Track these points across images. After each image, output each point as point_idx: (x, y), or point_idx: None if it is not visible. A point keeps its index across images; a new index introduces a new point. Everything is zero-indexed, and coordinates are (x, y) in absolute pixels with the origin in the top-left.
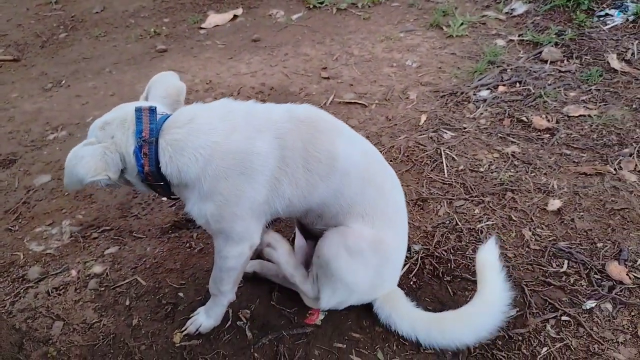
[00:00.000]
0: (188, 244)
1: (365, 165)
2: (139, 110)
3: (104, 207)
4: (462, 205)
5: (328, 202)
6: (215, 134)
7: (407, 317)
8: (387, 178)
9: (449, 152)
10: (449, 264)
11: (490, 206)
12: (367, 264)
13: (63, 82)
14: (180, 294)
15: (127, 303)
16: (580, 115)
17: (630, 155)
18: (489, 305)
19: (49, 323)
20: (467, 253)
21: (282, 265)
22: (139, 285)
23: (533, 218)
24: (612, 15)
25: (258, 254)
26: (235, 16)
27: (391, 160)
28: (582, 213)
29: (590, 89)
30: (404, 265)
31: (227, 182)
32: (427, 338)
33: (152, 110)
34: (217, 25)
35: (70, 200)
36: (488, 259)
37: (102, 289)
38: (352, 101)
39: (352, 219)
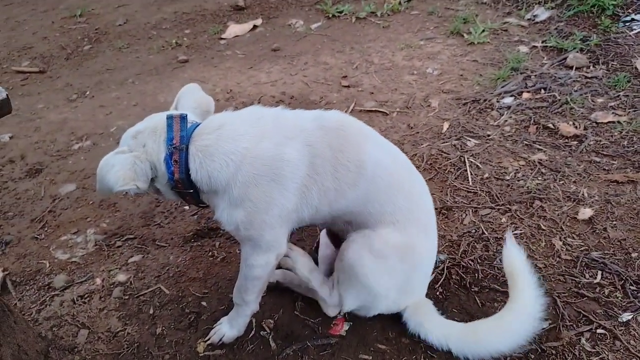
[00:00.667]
0: (210, 253)
1: (394, 172)
2: (170, 118)
3: (128, 216)
4: (488, 213)
5: (356, 210)
6: (245, 140)
7: (439, 326)
8: (416, 184)
9: (473, 160)
10: (476, 274)
11: (517, 215)
12: (393, 269)
13: (87, 92)
14: (204, 303)
15: (151, 312)
16: (609, 122)
17: None
18: (524, 309)
19: (75, 331)
20: (494, 263)
21: (298, 269)
22: (162, 294)
23: (563, 227)
24: (638, 21)
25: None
26: (255, 26)
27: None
28: (615, 222)
29: (619, 95)
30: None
31: (257, 189)
32: (462, 348)
33: (182, 118)
34: (237, 36)
35: (94, 209)
36: (515, 261)
37: (126, 297)
38: (373, 109)
39: (382, 225)
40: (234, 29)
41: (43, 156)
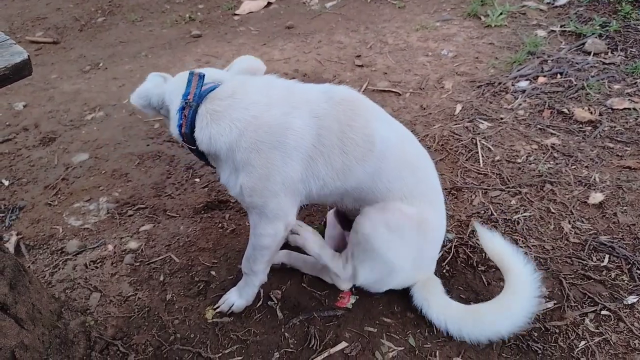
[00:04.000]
0: (220, 225)
1: (401, 148)
2: (191, 74)
3: (139, 186)
4: (497, 195)
5: (365, 186)
6: (254, 109)
7: (442, 306)
8: (422, 160)
9: (484, 142)
10: (483, 254)
11: (527, 197)
12: (409, 241)
13: (100, 64)
14: (213, 273)
15: (161, 279)
16: (624, 109)
17: None
18: (521, 291)
19: (87, 294)
20: None
21: (309, 246)
22: (172, 262)
23: (573, 211)
24: None
25: (284, 244)
26: (269, 3)
27: (426, 149)
28: (625, 207)
29: (636, 82)
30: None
31: (258, 155)
32: (459, 330)
33: (200, 77)
34: (251, 12)
35: (107, 178)
36: (495, 246)
37: (137, 264)
38: (386, 89)
39: (392, 201)
40: (248, 5)
41: (56, 125)
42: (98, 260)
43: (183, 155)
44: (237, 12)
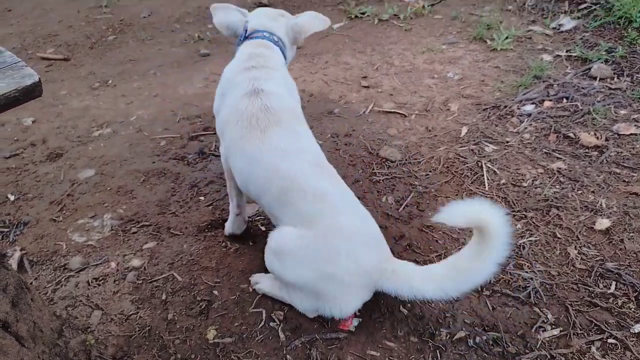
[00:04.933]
0: (224, 244)
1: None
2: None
3: (144, 203)
4: None
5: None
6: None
7: (428, 278)
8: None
9: (490, 166)
10: (489, 279)
11: (533, 222)
12: (297, 260)
13: (110, 81)
14: (215, 292)
15: (164, 297)
16: (631, 134)
17: None
18: (493, 239)
19: (88, 312)
20: (507, 268)
21: (268, 292)
22: (175, 281)
23: (579, 236)
24: None
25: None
26: None
27: (430, 171)
28: (632, 234)
29: None
30: None
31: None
32: (446, 288)
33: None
34: None
35: (112, 195)
36: (460, 212)
37: (140, 282)
38: (392, 110)
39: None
40: None
41: (64, 141)
42: (100, 278)
43: (188, 173)
44: None
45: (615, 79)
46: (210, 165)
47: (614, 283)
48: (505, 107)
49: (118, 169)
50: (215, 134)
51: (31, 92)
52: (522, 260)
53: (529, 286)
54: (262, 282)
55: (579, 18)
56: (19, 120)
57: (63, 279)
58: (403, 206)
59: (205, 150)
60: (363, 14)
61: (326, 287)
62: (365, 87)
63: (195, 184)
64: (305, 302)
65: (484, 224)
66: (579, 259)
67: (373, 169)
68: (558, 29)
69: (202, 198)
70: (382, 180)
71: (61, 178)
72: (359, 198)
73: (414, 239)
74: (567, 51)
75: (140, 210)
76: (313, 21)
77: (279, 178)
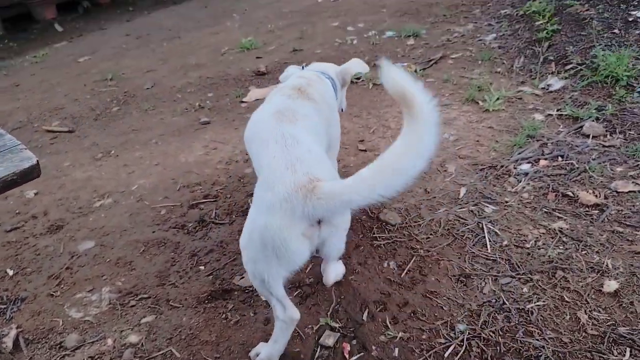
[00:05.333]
0: (224, 315)
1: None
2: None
3: (143, 275)
4: (508, 282)
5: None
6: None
7: (360, 181)
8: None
9: (491, 227)
10: (497, 347)
11: (539, 285)
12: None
13: (112, 152)
14: None
15: None
16: (630, 191)
17: None
18: (424, 122)
19: None
20: (517, 336)
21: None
22: (173, 357)
23: (588, 300)
24: None
25: None
26: None
27: (431, 234)
28: None
29: (638, 164)
30: (448, 347)
31: None
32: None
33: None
34: (258, 99)
35: (111, 267)
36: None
37: (137, 359)
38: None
39: None
40: (255, 93)
41: (65, 213)
42: (97, 356)
43: (188, 242)
44: (244, 99)
45: (608, 136)
46: (210, 233)
47: (628, 350)
48: (502, 166)
49: (118, 240)
50: (215, 201)
51: (29, 175)
52: (532, 327)
53: (540, 355)
54: (262, 350)
55: (566, 78)
56: (21, 193)
57: (58, 358)
58: (405, 271)
59: (205, 218)
60: (358, 78)
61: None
62: (362, 150)
63: (195, 253)
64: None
65: (409, 98)
66: (590, 324)
67: (374, 233)
68: (547, 89)
69: (202, 267)
70: (383, 244)
71: (61, 251)
72: (360, 264)
73: (418, 306)
74: (557, 110)
75: (139, 282)
76: (356, 64)
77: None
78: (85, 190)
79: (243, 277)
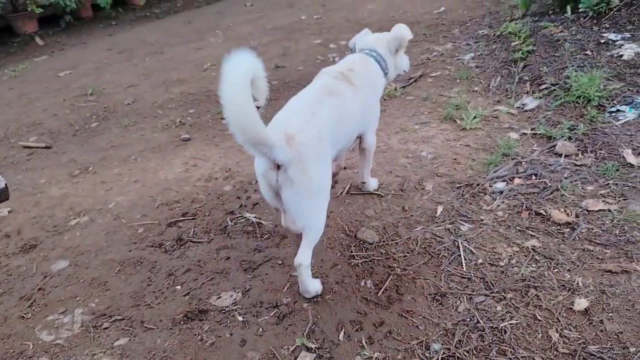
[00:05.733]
0: (199, 337)
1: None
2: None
3: (118, 295)
4: (483, 301)
5: None
6: None
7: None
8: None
9: (467, 245)
10: None
11: (512, 303)
12: None
13: (90, 168)
14: None
15: None
16: (600, 210)
17: None
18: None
19: None
20: (490, 355)
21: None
22: None
23: (559, 318)
24: (623, 112)
25: None
26: (257, 107)
27: (408, 253)
28: (611, 314)
29: (608, 183)
30: None
31: None
32: None
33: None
34: None
35: (84, 287)
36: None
37: None
38: (368, 192)
39: None
40: None
41: (39, 231)
42: None
43: (165, 262)
44: None
45: (580, 155)
46: (188, 252)
47: None
48: (478, 185)
49: (93, 259)
50: (193, 219)
51: None
52: (505, 346)
53: None
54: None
55: (540, 98)
56: None
57: None
58: (382, 290)
59: (183, 236)
60: None
61: None
62: (343, 168)
63: (172, 272)
64: None
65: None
66: (562, 342)
67: (351, 252)
68: (522, 108)
69: (178, 287)
70: (361, 263)
71: (33, 271)
72: (337, 283)
73: (394, 325)
74: (532, 129)
75: (114, 303)
76: (405, 30)
77: None
78: (61, 207)
79: (220, 297)
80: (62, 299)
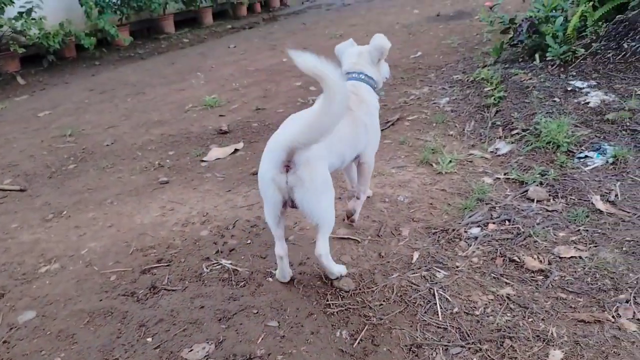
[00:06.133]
0: None
1: None
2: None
3: (85, 349)
4: (459, 353)
5: None
6: None
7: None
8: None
9: (442, 293)
10: None
11: (488, 355)
12: None
13: (64, 212)
14: None
15: None
16: (571, 257)
17: (627, 302)
18: (335, 90)
19: None
20: None
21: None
22: None
23: None
24: (591, 157)
25: None
26: (236, 150)
27: (384, 301)
28: None
29: (579, 229)
30: None
31: None
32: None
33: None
34: (218, 158)
35: (51, 340)
36: (309, 63)
37: None
38: (346, 237)
39: None
40: (215, 152)
41: (7, 280)
42: None
43: (137, 311)
44: (204, 158)
45: (551, 201)
46: (161, 301)
47: None
48: (454, 230)
49: (61, 310)
50: (168, 265)
51: None
52: None
53: None
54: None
55: (512, 143)
56: None
57: None
58: (357, 341)
59: (157, 284)
60: None
61: None
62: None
63: (144, 323)
64: None
65: (321, 75)
66: None
67: (327, 300)
68: (495, 153)
69: (149, 339)
70: (337, 312)
71: None
72: (312, 334)
73: None
74: (505, 174)
75: (80, 358)
76: (383, 40)
77: None
78: (32, 254)
79: (192, 350)
80: (27, 353)
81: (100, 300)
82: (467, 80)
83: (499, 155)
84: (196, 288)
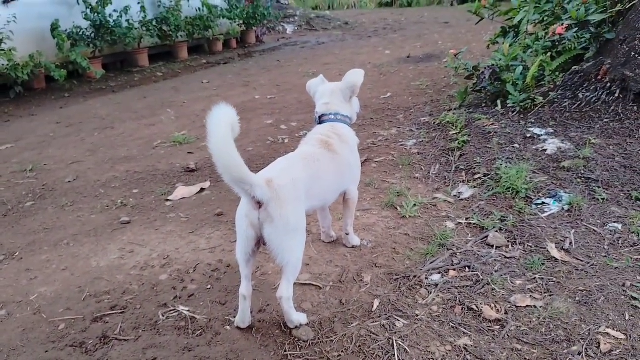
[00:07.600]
0: None
1: None
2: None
3: None
4: None
5: None
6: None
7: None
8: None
9: (401, 343)
10: None
11: None
12: None
13: (16, 254)
14: None
15: None
16: (527, 306)
17: (579, 354)
18: None
19: None
20: None
21: None
22: None
23: None
24: (548, 204)
25: None
26: (202, 189)
27: (342, 352)
28: None
29: (535, 278)
30: None
31: None
32: None
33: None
34: (184, 198)
35: None
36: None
37: None
38: (307, 282)
39: None
40: (181, 191)
41: None
42: None
43: None
44: (170, 197)
45: (510, 247)
46: (111, 352)
47: None
48: (415, 276)
49: None
50: (122, 312)
51: None
52: None
53: None
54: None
55: (474, 187)
56: None
57: None
58: None
59: (108, 333)
60: None
61: None
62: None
63: None
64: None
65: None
66: None
67: (285, 351)
68: (458, 197)
69: None
70: None
71: None
72: None
73: None
74: (466, 219)
75: None
76: (357, 75)
77: None
78: None
79: None
80: None
81: (46, 351)
82: (434, 123)
83: (461, 200)
84: (150, 337)
